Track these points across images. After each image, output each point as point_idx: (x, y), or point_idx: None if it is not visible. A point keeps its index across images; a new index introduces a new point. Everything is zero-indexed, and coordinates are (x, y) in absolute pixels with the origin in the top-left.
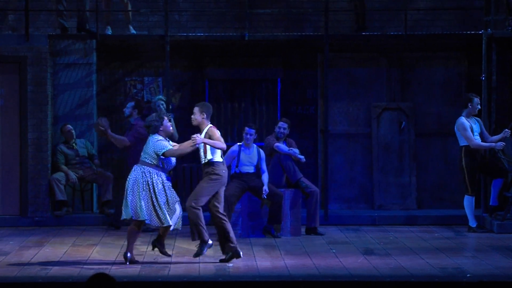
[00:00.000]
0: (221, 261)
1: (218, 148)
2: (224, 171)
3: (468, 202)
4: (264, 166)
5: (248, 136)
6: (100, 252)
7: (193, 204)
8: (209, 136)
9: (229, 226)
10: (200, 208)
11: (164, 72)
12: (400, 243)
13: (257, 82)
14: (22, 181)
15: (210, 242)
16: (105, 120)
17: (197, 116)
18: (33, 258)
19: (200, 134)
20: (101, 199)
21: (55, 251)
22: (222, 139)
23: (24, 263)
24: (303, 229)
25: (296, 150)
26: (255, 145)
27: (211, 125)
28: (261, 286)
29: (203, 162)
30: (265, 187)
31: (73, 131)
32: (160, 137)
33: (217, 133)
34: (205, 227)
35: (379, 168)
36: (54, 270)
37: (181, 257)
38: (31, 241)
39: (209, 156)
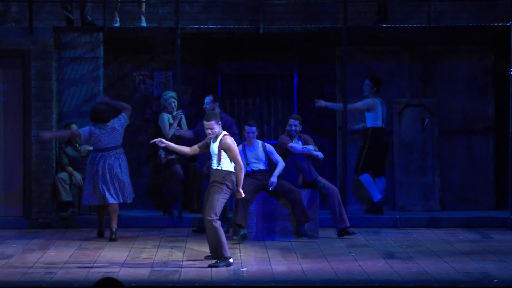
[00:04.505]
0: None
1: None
2: (233, 182)
3: (367, 179)
4: (276, 157)
5: (251, 135)
6: (107, 255)
7: (213, 217)
8: (223, 149)
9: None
10: (219, 221)
11: (174, 66)
12: (423, 246)
13: (272, 76)
14: (25, 181)
15: (231, 260)
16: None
17: (217, 129)
18: (37, 262)
19: (214, 142)
20: None
21: (60, 254)
22: (238, 155)
23: (28, 267)
24: (321, 232)
25: (311, 147)
26: (259, 141)
27: (225, 132)
28: None
29: (215, 168)
30: (273, 179)
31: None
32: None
33: (233, 146)
34: (226, 242)
35: (400, 167)
36: (60, 274)
37: (193, 260)
38: (35, 244)
39: (223, 164)
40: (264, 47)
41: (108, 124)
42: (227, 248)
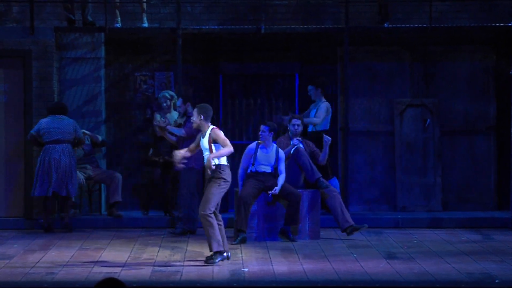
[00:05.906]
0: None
1: (227, 154)
2: (230, 175)
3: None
4: (282, 167)
5: (260, 133)
6: (108, 255)
7: (207, 212)
8: (213, 139)
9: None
10: (213, 216)
11: (175, 66)
12: (424, 247)
13: (273, 77)
14: (27, 181)
15: (225, 254)
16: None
17: (195, 118)
18: (39, 262)
19: (203, 137)
20: (109, 200)
21: (62, 255)
22: (227, 141)
23: (29, 267)
24: (322, 232)
25: (312, 146)
26: (274, 145)
27: (213, 126)
28: None
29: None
30: (276, 188)
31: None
32: None
33: (221, 134)
34: (219, 236)
35: (402, 167)
36: (61, 275)
37: (194, 261)
38: (36, 244)
39: (215, 159)
40: (266, 47)
41: (58, 116)
42: (220, 243)
